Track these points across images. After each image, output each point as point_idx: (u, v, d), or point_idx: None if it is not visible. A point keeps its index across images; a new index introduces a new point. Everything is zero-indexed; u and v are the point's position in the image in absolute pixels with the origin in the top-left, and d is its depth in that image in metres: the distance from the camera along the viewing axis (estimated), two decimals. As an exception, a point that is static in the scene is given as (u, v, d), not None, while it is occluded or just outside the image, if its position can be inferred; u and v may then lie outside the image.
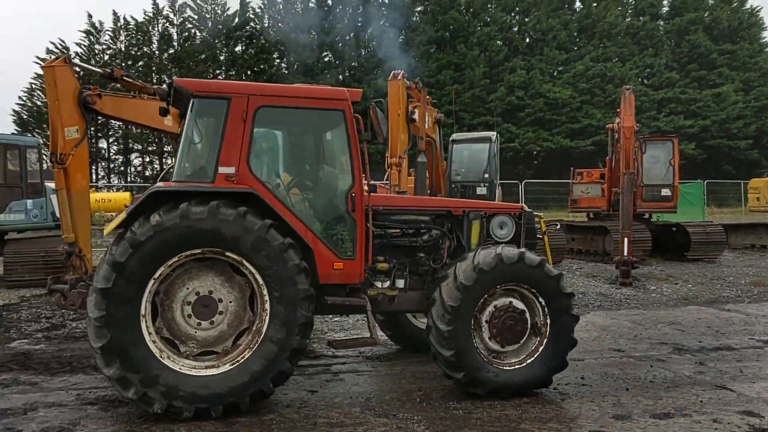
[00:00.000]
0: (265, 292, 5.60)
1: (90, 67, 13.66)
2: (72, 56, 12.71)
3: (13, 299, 11.78)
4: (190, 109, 5.99)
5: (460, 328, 5.86)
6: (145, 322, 5.42)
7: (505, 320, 6.02)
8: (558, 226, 7.67)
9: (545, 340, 6.13)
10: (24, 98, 58.66)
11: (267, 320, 5.60)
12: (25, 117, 57.20)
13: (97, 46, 58.59)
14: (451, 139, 17.76)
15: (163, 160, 55.39)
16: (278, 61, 58.27)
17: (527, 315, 6.09)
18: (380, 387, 6.63)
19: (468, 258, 6.08)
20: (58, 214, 12.79)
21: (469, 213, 6.69)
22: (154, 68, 56.23)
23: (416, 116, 12.99)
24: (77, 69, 11.76)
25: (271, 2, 56.40)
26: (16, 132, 50.59)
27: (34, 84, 58.50)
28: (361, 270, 6.12)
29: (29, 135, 48.49)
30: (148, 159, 58.88)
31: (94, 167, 52.47)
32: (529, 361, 6.12)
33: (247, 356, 5.58)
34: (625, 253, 13.41)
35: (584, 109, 50.79)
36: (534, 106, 50.13)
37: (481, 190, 16.89)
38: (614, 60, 53.33)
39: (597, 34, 54.06)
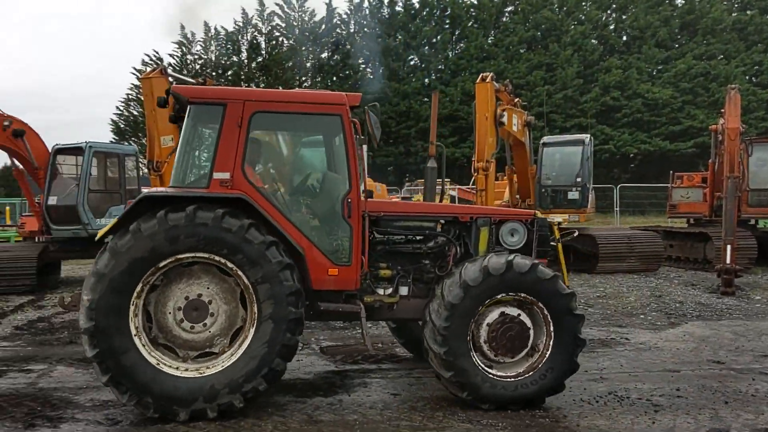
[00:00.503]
0: (251, 291, 5.70)
1: (183, 77, 14.51)
2: (166, 67, 13.51)
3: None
4: (187, 115, 6.17)
5: (455, 347, 5.84)
6: (136, 329, 5.62)
7: (505, 331, 5.95)
8: (576, 234, 7.48)
9: (546, 354, 6.01)
10: (121, 108, 62.36)
11: (256, 319, 5.72)
12: (122, 126, 60.80)
13: (189, 57, 61.52)
14: (541, 142, 17.56)
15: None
16: (363, 66, 59.27)
17: (528, 325, 6.00)
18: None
19: (455, 273, 6.06)
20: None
21: (477, 219, 6.61)
22: (242, 77, 58.47)
23: (505, 119, 12.96)
24: (171, 79, 12.51)
25: (357, 7, 57.41)
26: (113, 140, 53.89)
27: (131, 94, 62.08)
28: (357, 276, 6.11)
29: (126, 143, 51.57)
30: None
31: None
32: (528, 374, 5.99)
33: (239, 355, 5.71)
34: (728, 261, 12.81)
35: (686, 110, 48.58)
36: (631, 107, 48.42)
37: (573, 195, 16.62)
38: (719, 57, 50.73)
39: (700, 31, 51.64)
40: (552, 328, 5.98)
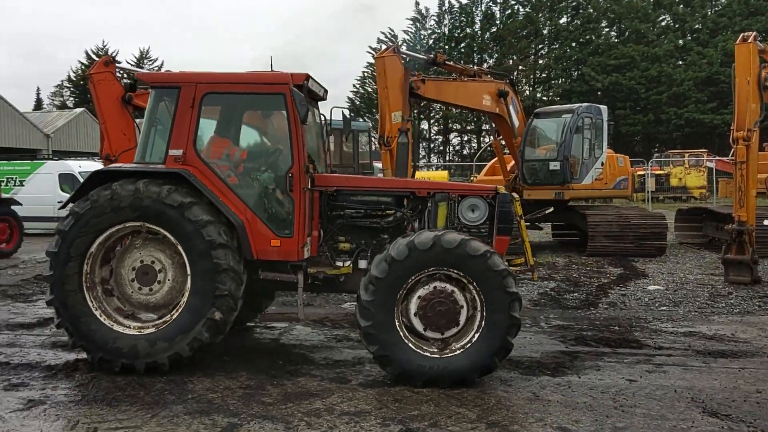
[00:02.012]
0: (187, 263, 6.20)
1: (415, 54, 14.96)
2: (399, 45, 14.07)
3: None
4: (150, 97, 6.79)
5: (380, 321, 5.90)
6: (87, 282, 6.39)
7: (434, 306, 5.96)
8: (550, 209, 6.42)
9: (477, 331, 5.96)
10: (357, 86, 66.39)
11: (188, 290, 6.26)
12: (357, 103, 64.80)
13: (422, 32, 63.41)
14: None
15: (481, 138, 57.76)
16: (607, 29, 56.17)
17: (461, 302, 5.98)
18: (711, 384, 6.11)
19: (386, 249, 6.06)
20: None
21: (435, 194, 6.70)
22: (475, 48, 58.82)
23: (770, 83, 11.51)
24: (404, 57, 13.01)
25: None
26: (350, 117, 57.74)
27: (366, 72, 65.75)
28: (298, 248, 6.40)
29: (361, 120, 54.93)
30: (466, 138, 62.19)
31: (417, 148, 57.18)
32: (458, 351, 5.96)
33: (169, 321, 6.29)
34: None
35: None
36: None
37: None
38: None
39: None
40: (484, 306, 5.93)
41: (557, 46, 56.01)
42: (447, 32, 61.61)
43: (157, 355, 6.27)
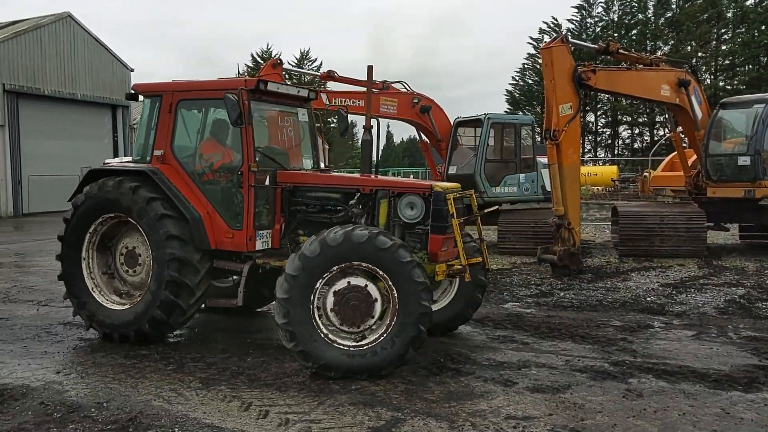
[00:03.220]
0: (150, 250, 7.24)
1: (585, 43, 14.45)
2: (567, 35, 13.61)
3: (505, 265, 13.45)
4: (143, 105, 7.84)
5: (297, 317, 6.16)
6: (85, 263, 7.72)
7: (349, 300, 6.23)
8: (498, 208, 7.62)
9: (392, 323, 6.20)
10: (516, 78, 65.26)
11: (151, 274, 7.25)
12: (516, 96, 63.71)
13: (588, 20, 61.15)
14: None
15: (654, 131, 54.70)
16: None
17: (375, 295, 6.24)
18: None
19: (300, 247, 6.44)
20: (548, 188, 14.02)
21: (378, 191, 7.02)
22: (648, 35, 55.79)
23: None
24: (573, 46, 12.59)
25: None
26: (507, 111, 56.95)
27: (527, 64, 64.51)
28: (246, 240, 7.14)
29: (520, 113, 54.02)
30: (637, 131, 59.18)
31: (581, 141, 55.41)
32: (374, 343, 6.22)
33: (137, 300, 7.42)
34: None
35: None
36: None
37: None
38: None
39: None
40: (396, 297, 6.16)
41: (744, 29, 51.68)
42: (616, 19, 58.96)
43: (126, 328, 7.39)
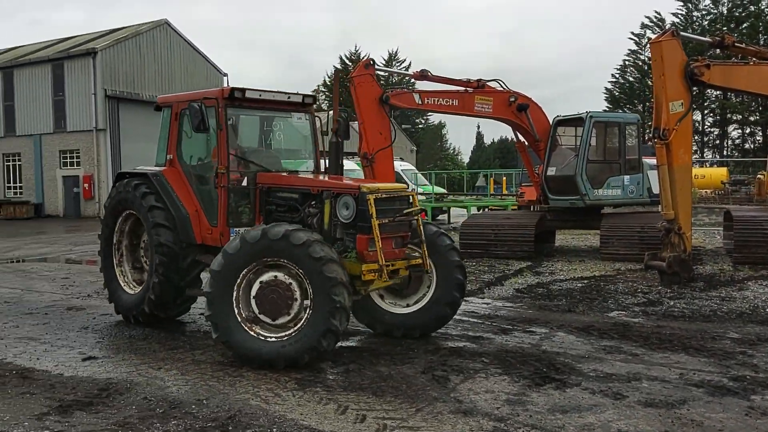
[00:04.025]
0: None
1: (697, 37, 13.79)
2: (678, 29, 12.91)
3: (609, 271, 13.01)
4: (162, 114, 8.78)
5: (220, 310, 6.68)
6: (114, 249, 9.13)
7: (269, 294, 6.66)
8: (419, 210, 7.43)
9: (307, 315, 6.58)
10: (616, 75, 63.34)
11: (152, 260, 8.31)
12: (616, 94, 61.83)
13: (695, 13, 58.71)
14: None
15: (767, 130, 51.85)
16: None
17: (293, 288, 6.64)
18: None
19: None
20: (655, 190, 13.47)
21: (322, 192, 7.43)
22: (761, 28, 52.97)
23: None
24: (684, 40, 12.05)
25: None
26: (606, 109, 55.34)
27: (627, 60, 62.54)
28: (219, 236, 7.92)
29: (620, 111, 52.37)
30: (748, 130, 56.23)
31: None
32: (290, 334, 6.61)
33: (144, 285, 8.64)
34: None
35: None
36: None
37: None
38: None
39: None
40: (310, 291, 6.52)
41: None
42: (725, 12, 56.28)
43: (134, 309, 8.62)
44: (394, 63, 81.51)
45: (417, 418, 5.36)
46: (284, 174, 8.28)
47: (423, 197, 27.71)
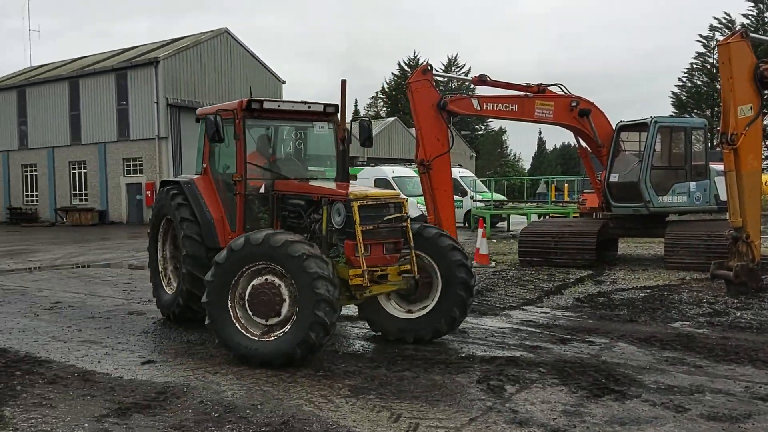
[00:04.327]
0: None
1: (765, 38, 13.35)
2: (747, 30, 12.52)
3: (673, 280, 12.70)
4: (200, 125, 9.11)
5: (218, 317, 7.16)
6: (160, 249, 9.98)
7: (259, 295, 7.01)
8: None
9: (296, 312, 6.88)
10: (683, 79, 61.76)
11: (181, 268, 9.03)
12: (683, 98, 60.27)
13: (767, 14, 56.85)
14: None
15: None
16: None
17: (282, 287, 6.97)
18: None
19: None
20: (723, 197, 13.09)
21: (321, 199, 7.82)
22: None
23: None
24: (753, 42, 11.71)
25: None
26: (673, 114, 53.98)
27: (695, 63, 60.93)
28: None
29: (686, 116, 51.06)
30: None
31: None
32: (280, 335, 6.96)
33: (177, 289, 9.40)
34: None
35: None
36: None
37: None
38: None
39: None
40: (296, 288, 6.84)
41: None
42: (800, 11, 54.27)
43: (167, 309, 9.48)
44: (453, 68, 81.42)
45: (471, 427, 5.35)
46: (295, 182, 8.56)
47: (481, 204, 27.58)
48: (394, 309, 8.33)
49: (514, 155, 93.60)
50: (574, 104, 14.68)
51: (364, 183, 25.53)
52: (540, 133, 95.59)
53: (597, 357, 7.48)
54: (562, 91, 14.78)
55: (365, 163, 33.24)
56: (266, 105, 8.54)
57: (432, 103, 13.41)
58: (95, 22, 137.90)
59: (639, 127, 15.10)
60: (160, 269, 9.96)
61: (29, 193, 43.73)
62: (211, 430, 5.30)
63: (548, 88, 14.60)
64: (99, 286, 13.60)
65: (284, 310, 6.96)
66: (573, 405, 5.85)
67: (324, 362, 7.27)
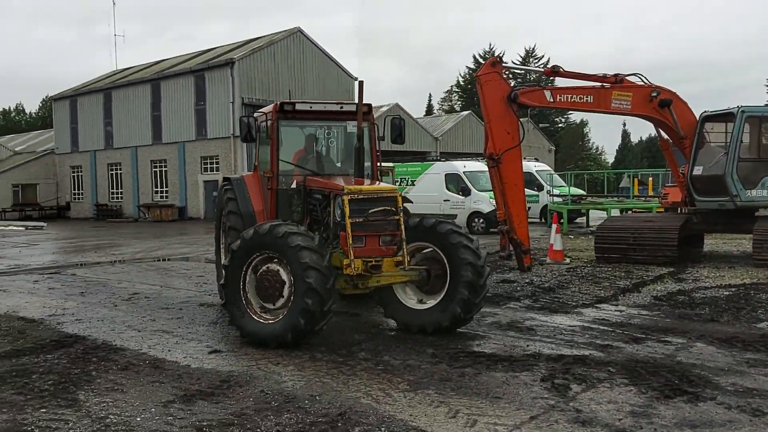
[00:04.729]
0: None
1: None
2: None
3: (761, 279, 12.15)
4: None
5: (233, 299, 7.88)
6: (218, 241, 11.01)
7: (262, 282, 7.68)
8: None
9: (292, 299, 7.47)
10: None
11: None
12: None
13: None
14: None
15: None
16: None
17: (283, 275, 7.57)
18: None
19: None
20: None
21: (330, 194, 8.29)
22: None
23: None
24: None
25: None
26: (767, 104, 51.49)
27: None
28: None
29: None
30: None
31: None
32: (281, 317, 7.59)
33: None
34: None
35: None
36: None
37: None
38: None
39: None
40: (292, 277, 7.40)
41: None
42: None
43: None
44: (531, 60, 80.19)
45: (530, 425, 5.26)
46: (318, 178, 8.97)
47: (558, 199, 27.05)
48: (408, 299, 8.67)
49: (597, 148, 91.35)
50: (654, 94, 14.16)
51: (433, 178, 25.46)
52: (624, 125, 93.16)
53: (672, 357, 7.22)
54: (642, 81, 14.29)
55: (437, 158, 33.15)
56: (299, 107, 9.24)
57: (502, 96, 13.18)
58: (176, 26, 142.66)
59: (724, 117, 14.46)
60: (221, 258, 10.47)
61: (114, 191, 45.73)
62: (270, 419, 5.41)
63: (626, 78, 14.16)
64: (174, 279, 14.10)
65: (285, 295, 7.56)
66: (641, 406, 5.67)
67: (384, 356, 7.32)
